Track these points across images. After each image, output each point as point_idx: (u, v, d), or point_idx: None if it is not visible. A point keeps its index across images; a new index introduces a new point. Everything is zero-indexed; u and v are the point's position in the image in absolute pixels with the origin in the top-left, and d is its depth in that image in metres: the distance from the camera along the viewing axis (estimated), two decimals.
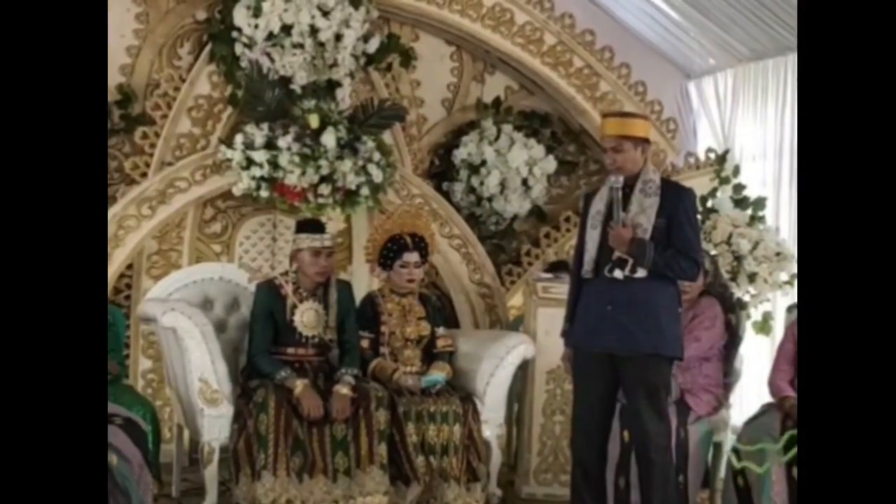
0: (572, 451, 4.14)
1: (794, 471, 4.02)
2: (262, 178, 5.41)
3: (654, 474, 3.93)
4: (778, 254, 5.65)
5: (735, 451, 4.26)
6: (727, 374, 4.70)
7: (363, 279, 5.71)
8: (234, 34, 5.54)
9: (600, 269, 3.90)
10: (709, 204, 5.94)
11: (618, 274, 3.86)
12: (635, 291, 3.87)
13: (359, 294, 4.88)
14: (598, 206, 3.98)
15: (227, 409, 4.34)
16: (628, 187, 3.93)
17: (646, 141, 4.02)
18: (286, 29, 5.43)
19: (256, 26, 5.46)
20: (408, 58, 6.15)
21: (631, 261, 3.85)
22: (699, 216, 5.79)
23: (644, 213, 3.89)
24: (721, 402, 4.63)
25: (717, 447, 4.63)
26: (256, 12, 5.45)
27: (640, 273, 3.86)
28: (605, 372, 3.95)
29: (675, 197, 3.98)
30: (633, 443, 4.06)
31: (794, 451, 3.99)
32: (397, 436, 4.34)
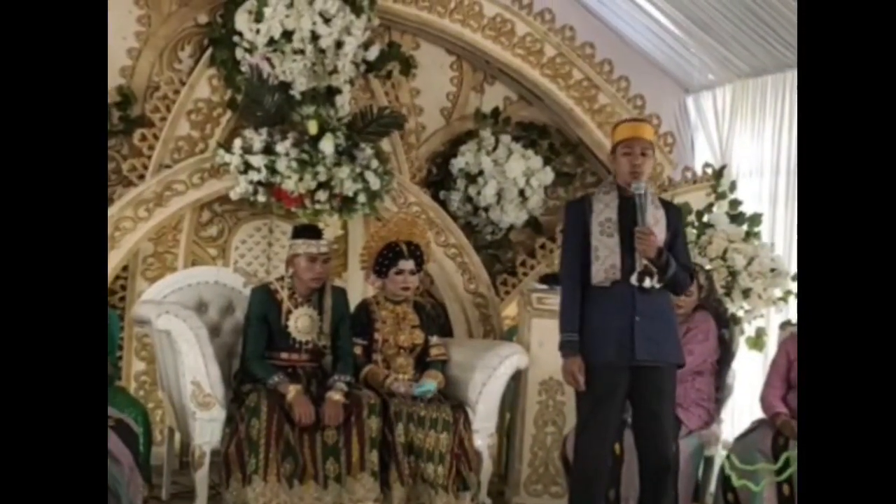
0: (588, 466, 3.90)
1: (785, 488, 4.03)
2: (259, 182, 5.41)
3: (668, 483, 3.93)
4: (773, 270, 5.66)
5: (728, 465, 4.26)
6: (719, 389, 4.71)
7: (358, 286, 5.71)
8: (235, 39, 5.55)
9: (626, 277, 3.79)
10: (705, 219, 5.95)
11: (647, 283, 3.78)
12: (656, 301, 3.83)
13: (353, 301, 4.88)
14: (608, 213, 3.84)
15: (219, 413, 4.33)
16: (631, 197, 3.84)
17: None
18: (287, 35, 5.43)
19: (257, 31, 5.46)
20: (408, 66, 6.16)
21: (656, 270, 3.79)
22: (695, 230, 5.85)
23: (658, 225, 3.84)
24: (712, 416, 4.63)
25: (708, 462, 4.63)
26: (258, 17, 5.45)
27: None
28: (625, 385, 3.84)
29: (676, 212, 3.99)
30: (651, 455, 3.89)
31: (790, 471, 4.01)
32: (389, 436, 4.33)
